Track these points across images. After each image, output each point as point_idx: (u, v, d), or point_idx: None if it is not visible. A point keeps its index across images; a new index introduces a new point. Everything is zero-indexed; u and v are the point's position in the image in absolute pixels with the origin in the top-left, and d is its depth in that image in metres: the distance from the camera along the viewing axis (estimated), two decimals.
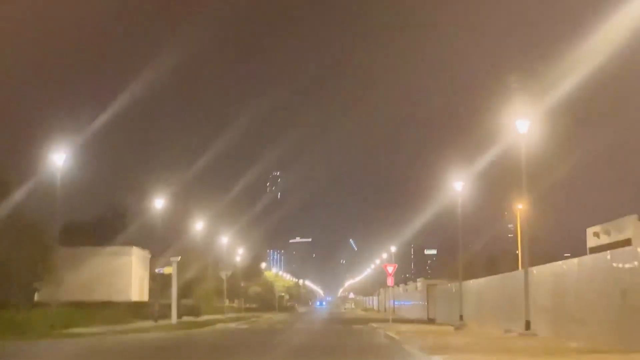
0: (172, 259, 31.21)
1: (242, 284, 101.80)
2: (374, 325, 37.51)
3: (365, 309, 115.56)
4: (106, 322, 34.44)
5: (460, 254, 36.40)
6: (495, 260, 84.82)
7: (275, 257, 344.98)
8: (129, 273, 52.58)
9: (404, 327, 35.43)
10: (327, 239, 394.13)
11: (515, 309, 27.75)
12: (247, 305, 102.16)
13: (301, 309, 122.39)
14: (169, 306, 53.42)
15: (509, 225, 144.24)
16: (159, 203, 38.84)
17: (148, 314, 48.07)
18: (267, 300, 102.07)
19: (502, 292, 30.21)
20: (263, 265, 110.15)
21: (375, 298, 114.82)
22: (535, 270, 24.36)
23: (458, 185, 35.23)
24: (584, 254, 27.35)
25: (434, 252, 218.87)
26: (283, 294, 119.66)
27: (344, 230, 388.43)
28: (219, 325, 36.73)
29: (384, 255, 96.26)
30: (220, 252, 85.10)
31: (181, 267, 65.28)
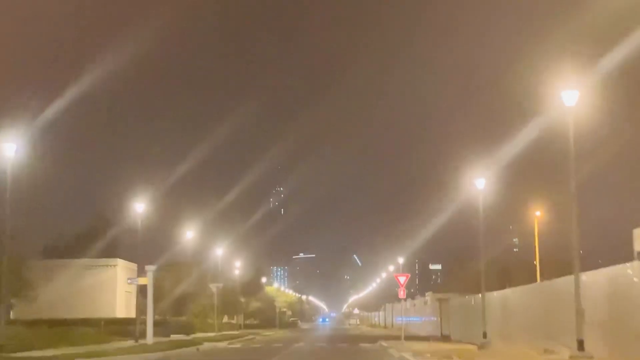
0: (147, 267, 26.63)
1: (243, 300, 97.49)
2: (384, 344, 32.88)
3: (372, 325, 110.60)
4: (76, 343, 29.93)
5: (482, 259, 31.85)
6: (508, 271, 79.75)
7: (278, 273, 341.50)
8: (114, 287, 48.05)
9: (418, 346, 30.81)
10: (331, 255, 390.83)
11: (555, 323, 23.21)
12: (248, 322, 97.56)
13: (304, 326, 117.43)
14: (159, 323, 49.22)
15: (514, 240, 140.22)
16: (142, 209, 34.38)
17: (132, 331, 43.64)
18: (268, 317, 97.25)
19: (538, 304, 25.64)
20: (264, 279, 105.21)
21: (381, 313, 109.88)
22: (585, 276, 19.74)
23: (479, 183, 30.73)
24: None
25: (438, 267, 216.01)
26: (285, 309, 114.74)
27: (348, 246, 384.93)
28: (207, 345, 32.13)
29: (391, 268, 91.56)
30: (218, 266, 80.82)
31: (173, 281, 61.16)
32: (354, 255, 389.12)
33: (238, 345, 34.16)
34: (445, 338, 42.68)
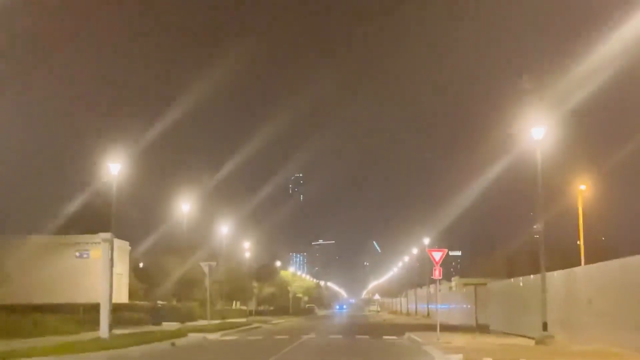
0: (101, 236, 20.01)
1: (256, 285, 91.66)
2: (415, 337, 26.28)
3: (393, 312, 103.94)
4: (30, 334, 23.78)
5: (540, 224, 25.22)
6: (537, 257, 72.02)
7: (298, 259, 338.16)
8: (98, 268, 41.69)
9: (458, 340, 24.27)
10: (351, 241, 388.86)
11: None
12: (262, 308, 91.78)
13: (321, 313, 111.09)
14: (148, 309, 42.94)
15: (534, 227, 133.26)
16: (117, 171, 27.98)
17: (125, 319, 37.55)
18: (283, 303, 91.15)
19: (619, 287, 19.02)
20: (278, 263, 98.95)
21: (403, 300, 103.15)
22: None
23: (537, 133, 24.01)
24: None
25: (458, 253, 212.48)
26: (300, 295, 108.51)
27: (368, 233, 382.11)
28: (192, 337, 25.75)
29: (414, 250, 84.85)
30: (230, 250, 75.27)
31: (178, 264, 55.27)
32: (374, 242, 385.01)
33: (233, 338, 27.74)
34: (482, 329, 35.97)
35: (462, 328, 37.17)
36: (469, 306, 47.52)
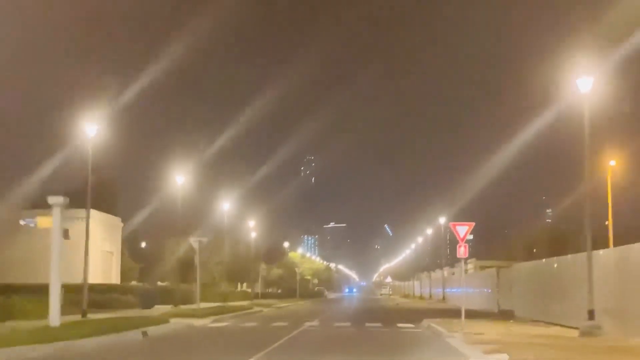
0: (51, 200, 16.17)
1: (264, 267, 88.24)
2: (436, 326, 22.43)
3: (405, 296, 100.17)
4: None
5: (586, 188, 21.37)
6: (561, 239, 68.26)
7: (309, 241, 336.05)
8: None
9: (489, 331, 20.42)
10: (362, 224, 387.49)
11: None
12: (270, 291, 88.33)
13: (331, 296, 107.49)
14: (135, 290, 39.10)
15: (547, 210, 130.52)
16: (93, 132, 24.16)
17: (114, 301, 34.09)
18: (291, 285, 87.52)
19: None
20: (286, 244, 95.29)
21: (416, 283, 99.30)
22: None
23: (584, 84, 19.99)
24: None
25: (470, 237, 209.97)
26: (309, 277, 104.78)
27: (379, 215, 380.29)
28: (175, 323, 21.99)
29: (429, 231, 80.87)
30: (235, 230, 71.70)
31: (172, 243, 51.72)
32: (385, 225, 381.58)
33: (223, 324, 23.98)
34: (506, 315, 32.04)
35: (483, 314, 33.31)
36: (489, 290, 43.67)
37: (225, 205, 51.83)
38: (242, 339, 18.30)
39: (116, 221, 41.94)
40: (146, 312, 29.30)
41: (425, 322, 24.93)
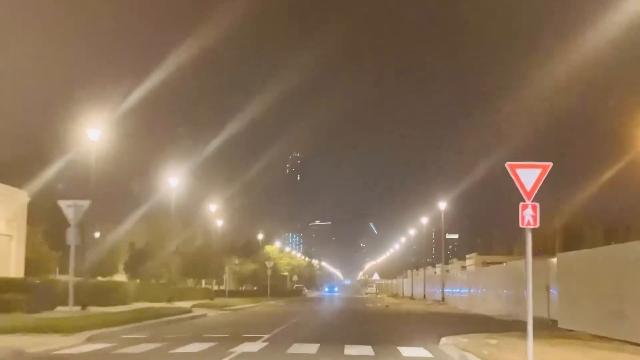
0: None
1: (237, 262, 78.64)
2: (469, 353, 12.10)
3: (393, 295, 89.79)
4: None
5: None
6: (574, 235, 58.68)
7: (294, 239, 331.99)
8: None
9: None
10: (347, 222, 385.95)
11: None
12: (243, 289, 78.53)
13: (312, 294, 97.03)
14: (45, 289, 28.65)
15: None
16: None
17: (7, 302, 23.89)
18: (264, 282, 77.33)
19: None
20: (260, 236, 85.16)
21: (406, 281, 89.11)
22: None
23: None
24: None
25: (455, 236, 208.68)
26: (286, 273, 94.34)
27: (365, 214, 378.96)
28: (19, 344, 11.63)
29: (424, 220, 70.86)
30: (206, 220, 62.59)
31: (107, 228, 43.56)
32: (370, 224, 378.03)
33: (98, 347, 13.56)
34: (547, 326, 21.84)
35: (513, 324, 23.05)
36: (509, 292, 33.61)
37: (173, 181, 41.54)
38: None
39: (19, 194, 31.31)
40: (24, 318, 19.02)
41: (447, 342, 14.64)
